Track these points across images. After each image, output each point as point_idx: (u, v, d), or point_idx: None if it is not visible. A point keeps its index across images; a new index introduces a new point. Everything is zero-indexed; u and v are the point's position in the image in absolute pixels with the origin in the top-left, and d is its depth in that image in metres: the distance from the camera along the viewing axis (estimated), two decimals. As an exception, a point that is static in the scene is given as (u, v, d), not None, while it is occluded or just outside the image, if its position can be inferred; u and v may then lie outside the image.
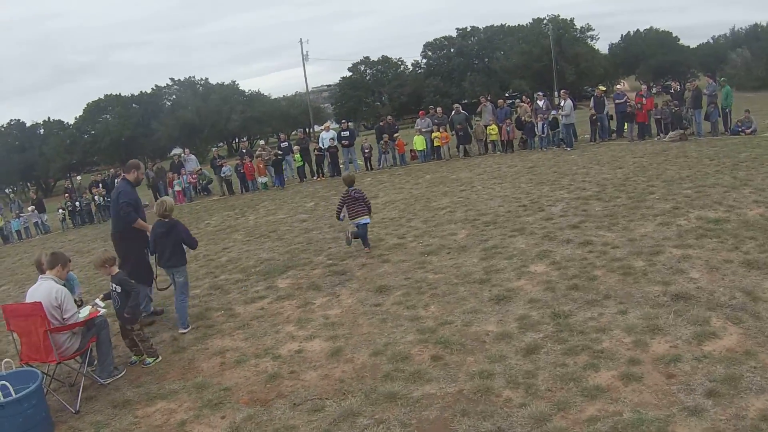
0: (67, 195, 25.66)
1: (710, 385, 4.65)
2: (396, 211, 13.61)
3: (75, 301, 7.67)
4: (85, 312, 6.87)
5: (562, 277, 7.51)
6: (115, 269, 7.18)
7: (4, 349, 8.49)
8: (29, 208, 26.16)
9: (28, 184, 79.95)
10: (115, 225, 9.12)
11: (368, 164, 24.14)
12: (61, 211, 25.16)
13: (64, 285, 7.16)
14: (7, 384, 5.73)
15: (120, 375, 6.90)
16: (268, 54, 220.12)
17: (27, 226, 25.27)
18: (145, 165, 28.17)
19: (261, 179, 23.53)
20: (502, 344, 5.87)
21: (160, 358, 7.21)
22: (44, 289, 6.47)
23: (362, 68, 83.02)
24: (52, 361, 6.29)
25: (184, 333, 7.79)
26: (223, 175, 24.66)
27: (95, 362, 6.96)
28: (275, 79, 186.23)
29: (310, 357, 6.34)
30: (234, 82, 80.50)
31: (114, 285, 7.10)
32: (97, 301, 7.27)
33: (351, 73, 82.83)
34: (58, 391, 6.74)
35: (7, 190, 60.91)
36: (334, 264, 9.86)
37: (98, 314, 6.83)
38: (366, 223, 10.37)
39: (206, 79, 79.36)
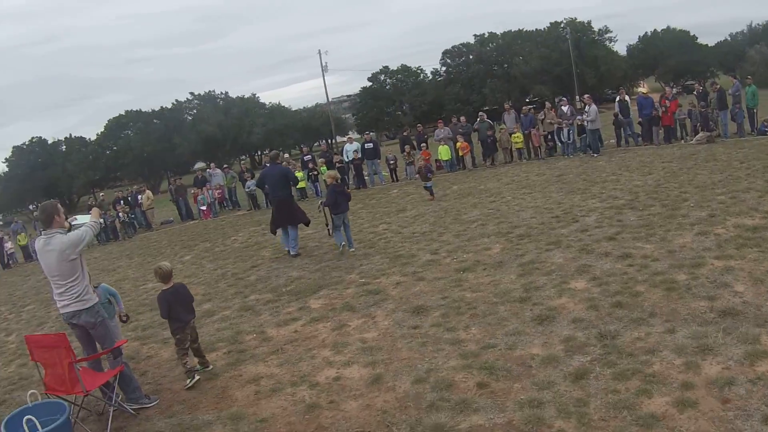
0: (91, 212, 25.68)
1: (766, 411, 4.40)
2: (426, 225, 13.35)
3: (120, 317, 7.81)
4: (83, 219, 6.69)
5: (604, 293, 7.21)
6: (165, 287, 7.21)
7: (29, 374, 8.40)
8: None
9: (51, 200, 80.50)
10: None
11: (394, 175, 23.93)
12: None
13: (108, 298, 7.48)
14: (33, 419, 5.59)
15: (151, 404, 6.70)
16: (286, 66, 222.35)
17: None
18: (168, 181, 28.21)
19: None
20: (549, 369, 5.60)
21: (198, 377, 7.09)
22: (55, 248, 6.21)
23: (382, 77, 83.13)
24: (79, 393, 6.10)
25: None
26: (247, 190, 24.55)
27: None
28: (295, 91, 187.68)
29: (349, 385, 6.08)
30: (254, 94, 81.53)
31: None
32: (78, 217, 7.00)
33: (371, 83, 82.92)
34: (86, 420, 6.58)
35: (30, 207, 61.46)
36: (367, 283, 9.62)
37: (125, 342, 6.70)
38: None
39: (226, 92, 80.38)
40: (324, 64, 68.49)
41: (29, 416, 5.64)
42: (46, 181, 74.72)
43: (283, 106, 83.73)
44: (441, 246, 11.06)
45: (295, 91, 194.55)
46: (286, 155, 35.98)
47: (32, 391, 6.13)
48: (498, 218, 12.61)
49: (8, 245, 25.81)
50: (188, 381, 7.07)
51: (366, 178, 23.81)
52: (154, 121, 76.78)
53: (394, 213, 15.84)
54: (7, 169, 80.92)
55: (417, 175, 14.72)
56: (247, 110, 76.43)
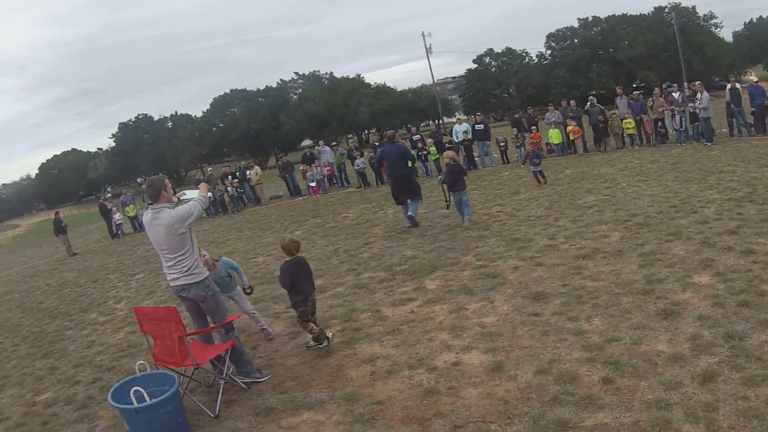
0: (199, 186, 26.43)
1: None
2: (541, 209, 13.02)
3: (244, 289, 7.97)
4: (192, 193, 6.76)
5: (729, 291, 6.77)
6: (289, 258, 7.27)
7: (137, 342, 8.70)
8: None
9: (160, 174, 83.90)
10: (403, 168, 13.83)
11: (504, 157, 23.57)
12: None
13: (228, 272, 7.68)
14: (141, 390, 5.71)
15: (263, 379, 6.80)
16: (389, 48, 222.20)
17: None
18: (276, 157, 28.68)
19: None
20: (676, 368, 5.30)
21: (326, 343, 7.24)
22: (163, 223, 6.23)
23: (487, 60, 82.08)
24: (189, 366, 6.21)
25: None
26: (357, 167, 24.75)
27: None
28: (399, 72, 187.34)
29: (468, 371, 5.95)
30: (359, 75, 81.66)
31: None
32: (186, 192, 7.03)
33: (476, 65, 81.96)
34: (195, 392, 6.74)
35: (138, 180, 63.96)
36: (484, 265, 9.46)
37: (238, 317, 6.77)
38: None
39: (331, 72, 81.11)
40: (428, 46, 67.91)
41: (137, 387, 5.73)
42: (152, 156, 77.98)
43: (389, 87, 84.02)
44: (558, 231, 10.77)
45: (400, 73, 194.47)
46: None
47: (141, 361, 6.25)
48: (614, 205, 12.18)
49: (117, 216, 27.04)
50: (313, 343, 7.27)
51: (477, 159, 23.48)
52: (260, 99, 78.28)
53: (507, 195, 15.58)
54: (114, 145, 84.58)
55: (525, 161, 14.46)
56: (353, 90, 76.93)
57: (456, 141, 23.09)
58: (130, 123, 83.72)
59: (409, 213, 13.58)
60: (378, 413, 5.51)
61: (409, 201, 13.73)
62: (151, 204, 6.53)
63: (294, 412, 5.90)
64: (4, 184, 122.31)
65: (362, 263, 11.25)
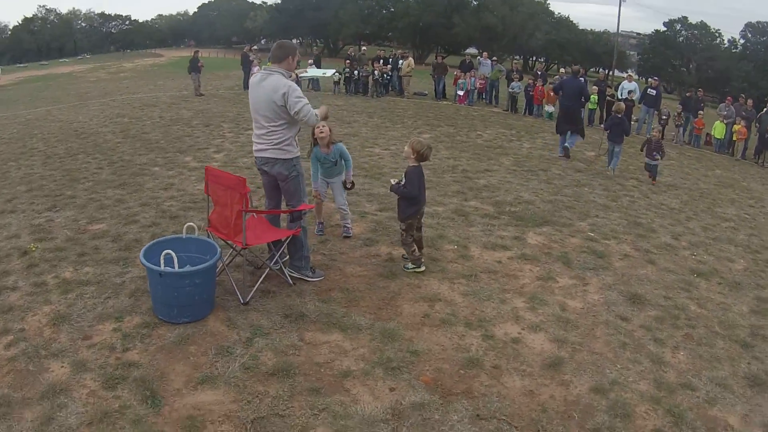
0: (348, 62, 26.03)
1: None
2: (677, 201, 11.61)
3: (345, 183, 7.39)
4: (314, 72, 6.26)
5: None
6: (415, 163, 6.63)
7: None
8: (308, 62, 26.99)
9: (317, 40, 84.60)
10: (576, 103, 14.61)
11: (662, 133, 21.68)
12: (338, 74, 25.76)
13: (336, 159, 7.22)
14: (172, 254, 5.44)
15: (314, 279, 6.38)
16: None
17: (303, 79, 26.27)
18: (435, 56, 27.83)
19: (548, 107, 21.82)
20: None
21: (423, 268, 6.76)
22: (269, 86, 5.79)
23: (678, 27, 76.33)
24: (238, 243, 5.80)
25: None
26: (510, 90, 23.43)
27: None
28: (588, 10, 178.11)
29: (524, 355, 5.20)
30: (545, 0, 77.94)
31: (403, 175, 6.66)
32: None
33: (665, 29, 76.76)
34: (239, 269, 6.39)
35: (294, 41, 64.42)
36: (595, 239, 8.49)
37: (312, 207, 6.31)
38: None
39: (518, -12, 77.36)
40: (623, -9, 63.48)
41: (168, 250, 5.47)
42: (315, 21, 77.97)
43: (571, 21, 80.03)
44: (684, 233, 9.46)
45: (587, 11, 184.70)
46: (562, 70, 33.37)
47: (190, 224, 5.95)
48: (752, 228, 10.53)
49: (255, 69, 26.82)
50: (411, 266, 6.79)
51: (633, 123, 21.67)
52: (437, -7, 76.15)
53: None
54: (279, 1, 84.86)
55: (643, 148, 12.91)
56: (534, 13, 73.62)
57: (619, 97, 21.27)
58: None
59: (566, 144, 14.43)
60: (408, 364, 4.94)
61: (569, 133, 14.45)
62: (271, 64, 6.07)
63: (324, 328, 5.43)
64: (160, 15, 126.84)
65: (474, 189, 10.54)
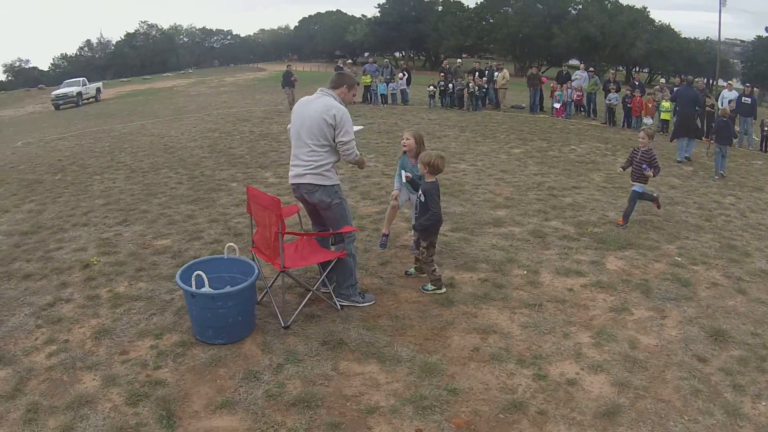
0: (442, 75, 25.73)
1: None
2: None
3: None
4: (355, 128, 6.03)
5: None
6: (431, 178, 6.25)
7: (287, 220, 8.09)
8: (399, 75, 26.83)
9: (418, 54, 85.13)
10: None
11: (764, 144, 20.23)
12: (432, 88, 25.52)
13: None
14: (202, 275, 5.32)
15: (366, 304, 6.04)
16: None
17: (395, 92, 26.09)
18: (531, 67, 27.29)
19: (646, 120, 20.73)
20: None
21: (444, 290, 6.39)
22: (321, 104, 5.58)
23: (784, 32, 72.34)
24: (276, 266, 5.57)
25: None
26: (607, 102, 22.41)
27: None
28: (689, 18, 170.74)
29: (576, 400, 4.57)
30: (645, 8, 75.43)
31: (421, 193, 6.26)
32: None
33: (768, 34, 72.83)
34: (291, 291, 6.30)
35: (396, 53, 64.49)
36: (681, 264, 7.65)
37: (356, 230, 6.00)
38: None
39: (617, -3, 75.28)
40: (724, -2, 60.45)
41: (199, 272, 5.35)
42: (415, 34, 78.89)
43: (672, 29, 76.95)
44: None
45: (689, 18, 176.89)
46: (663, 80, 31.81)
47: (231, 244, 5.85)
48: None
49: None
50: (431, 287, 6.42)
51: (736, 133, 20.32)
52: (538, 5, 74.92)
53: (749, 189, 12.82)
54: (378, 15, 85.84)
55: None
56: (634, 22, 71.30)
57: (719, 106, 20.02)
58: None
59: (685, 155, 15.46)
60: (443, 403, 4.47)
61: (686, 140, 15.59)
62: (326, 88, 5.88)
63: (361, 358, 5.08)
64: (262, 29, 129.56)
65: (557, 208, 9.94)
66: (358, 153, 5.66)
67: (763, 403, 4.70)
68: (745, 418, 4.48)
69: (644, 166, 9.19)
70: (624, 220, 9.25)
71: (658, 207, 9.67)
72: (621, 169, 9.98)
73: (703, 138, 17.90)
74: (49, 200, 10.92)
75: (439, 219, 6.31)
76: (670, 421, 4.39)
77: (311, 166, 5.61)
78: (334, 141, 5.58)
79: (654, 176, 9.42)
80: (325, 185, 5.66)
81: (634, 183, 9.41)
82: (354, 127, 5.84)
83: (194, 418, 4.31)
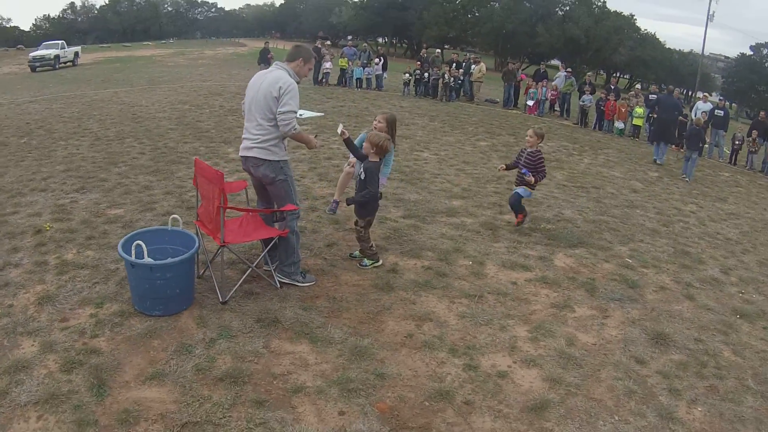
0: (418, 63, 25.67)
1: None
2: (736, 232, 10.47)
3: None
4: (308, 114, 5.97)
5: None
6: (375, 158, 6.29)
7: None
8: (375, 60, 26.74)
9: (401, 41, 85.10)
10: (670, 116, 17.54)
11: (734, 157, 20.50)
12: (407, 75, 25.45)
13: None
14: (142, 245, 5.28)
15: (306, 284, 6.04)
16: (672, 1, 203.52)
17: (369, 77, 26.01)
18: (514, 63, 27.39)
19: (618, 123, 21.03)
20: None
21: (381, 262, 6.53)
22: (271, 77, 5.56)
23: (765, 51, 73.25)
24: (217, 240, 5.52)
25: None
26: (581, 103, 22.47)
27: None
28: (675, 30, 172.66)
29: (505, 393, 4.56)
30: (632, 15, 76.03)
31: (362, 170, 6.28)
32: (340, 126, 6.44)
33: (751, 53, 73.76)
34: (228, 267, 6.26)
35: (379, 39, 64.06)
36: (631, 266, 7.68)
37: (297, 208, 5.88)
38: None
39: (604, 1, 75.58)
40: (711, 13, 60.99)
41: (139, 241, 5.31)
42: (399, 21, 78.65)
43: (657, 39, 77.46)
44: (737, 266, 8.51)
45: (673, 30, 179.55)
46: (638, 86, 32.19)
47: (175, 216, 5.82)
48: None
49: (327, 65, 26.74)
50: (369, 262, 6.56)
51: (706, 146, 20.56)
52: (525, 3, 74.99)
53: (712, 198, 13.07)
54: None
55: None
56: (619, 28, 71.70)
57: (692, 117, 20.25)
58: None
59: (657, 160, 16.41)
60: (369, 387, 4.49)
61: (661, 143, 16.63)
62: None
63: (293, 338, 5.08)
64: (247, 5, 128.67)
65: (516, 204, 9.90)
66: (298, 127, 5.57)
67: (699, 409, 4.73)
68: (679, 422, 4.51)
69: (524, 170, 8.36)
70: (521, 216, 8.68)
71: (519, 223, 8.71)
72: (503, 166, 8.98)
73: (674, 146, 18.25)
74: (12, 164, 10.75)
75: (375, 197, 6.37)
76: (599, 420, 4.40)
77: (258, 140, 5.60)
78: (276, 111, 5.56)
79: (534, 184, 8.50)
80: (270, 160, 5.63)
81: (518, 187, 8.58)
82: (311, 113, 5.80)
83: (124, 387, 4.32)
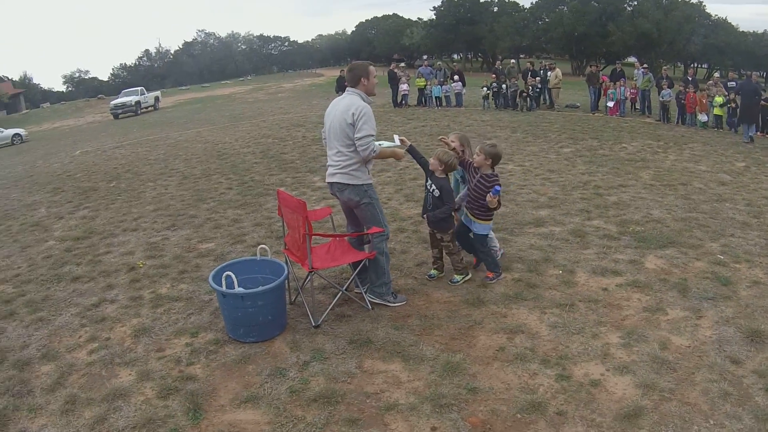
0: (494, 76, 25.61)
1: None
2: None
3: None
4: (386, 144, 6.08)
5: None
6: (442, 175, 6.37)
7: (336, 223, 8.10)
8: (454, 78, 26.79)
9: (475, 55, 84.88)
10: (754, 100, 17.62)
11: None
12: (485, 89, 25.40)
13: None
14: (232, 275, 5.50)
15: (397, 304, 6.11)
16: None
17: (448, 95, 26.08)
18: (597, 66, 26.91)
19: (701, 116, 20.20)
20: None
21: (470, 275, 6.57)
22: (343, 105, 5.73)
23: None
24: (305, 267, 5.71)
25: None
26: (661, 99, 21.90)
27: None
28: (747, 11, 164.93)
29: (598, 402, 4.48)
30: (701, 2, 73.57)
31: (433, 187, 6.34)
32: (396, 137, 6.44)
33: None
34: (325, 292, 6.47)
35: (454, 56, 64.14)
36: (723, 263, 7.35)
37: (381, 230, 5.99)
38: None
39: (676, -8, 73.66)
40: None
41: (229, 272, 5.54)
42: (470, 36, 79.11)
43: (730, 23, 74.69)
44: None
45: (747, 12, 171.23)
46: (717, 74, 31.11)
47: (262, 246, 6.07)
48: None
49: (404, 86, 26.97)
50: (459, 277, 6.58)
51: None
52: (593, 2, 73.84)
53: None
54: (434, 17, 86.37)
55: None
56: (690, 17, 69.54)
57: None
58: (455, 0, 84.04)
59: (750, 134, 17.19)
60: (461, 402, 4.49)
61: (747, 126, 17.33)
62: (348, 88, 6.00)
63: (386, 357, 5.16)
64: (319, 35, 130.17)
65: (601, 207, 9.77)
66: (377, 148, 5.68)
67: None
68: (773, 425, 4.31)
69: (496, 188, 6.31)
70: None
71: (476, 265, 7.19)
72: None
73: (758, 133, 17.67)
74: (103, 207, 11.30)
75: (454, 206, 6.43)
76: (693, 425, 4.25)
77: (340, 166, 5.79)
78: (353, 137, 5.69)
79: (493, 211, 6.65)
80: (353, 184, 5.80)
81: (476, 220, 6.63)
82: (386, 143, 5.95)
83: (219, 411, 4.51)
